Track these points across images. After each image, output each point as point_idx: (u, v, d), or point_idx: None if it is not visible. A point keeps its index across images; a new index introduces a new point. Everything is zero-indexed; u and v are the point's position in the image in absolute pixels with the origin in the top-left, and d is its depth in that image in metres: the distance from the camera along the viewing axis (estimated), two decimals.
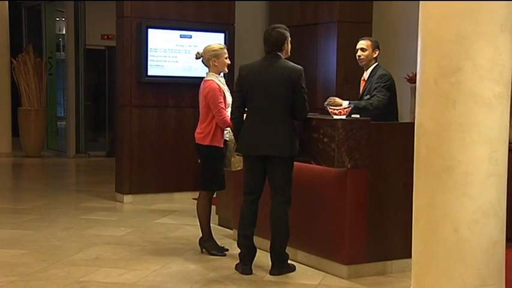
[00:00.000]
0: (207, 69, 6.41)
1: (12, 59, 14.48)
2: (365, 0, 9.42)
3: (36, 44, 15.23)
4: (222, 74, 6.43)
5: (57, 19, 15.85)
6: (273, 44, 5.70)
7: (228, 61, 6.31)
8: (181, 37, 9.16)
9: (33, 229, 7.42)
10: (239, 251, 5.84)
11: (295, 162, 5.80)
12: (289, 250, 5.99)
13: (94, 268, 5.84)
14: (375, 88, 6.33)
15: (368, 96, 6.37)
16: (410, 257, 4.29)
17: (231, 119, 5.91)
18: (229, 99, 6.24)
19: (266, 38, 5.75)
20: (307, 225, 5.94)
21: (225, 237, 7.00)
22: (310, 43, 9.60)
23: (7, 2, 14.61)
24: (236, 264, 5.81)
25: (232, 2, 9.62)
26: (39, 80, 14.60)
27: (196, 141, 6.39)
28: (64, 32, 15.14)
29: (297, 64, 5.68)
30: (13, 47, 14.84)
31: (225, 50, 6.39)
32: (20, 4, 15.79)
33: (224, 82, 6.34)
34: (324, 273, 5.72)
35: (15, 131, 14.78)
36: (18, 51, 14.79)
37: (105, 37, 14.35)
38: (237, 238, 5.92)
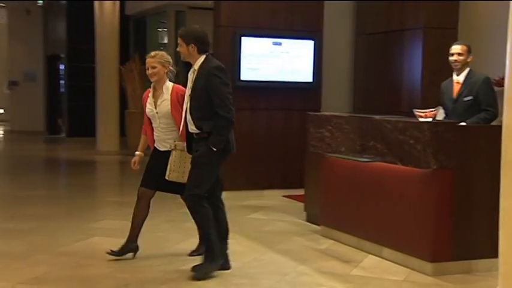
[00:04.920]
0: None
1: (121, 67, 14.81)
2: (451, 0, 9.02)
3: (142, 53, 15.48)
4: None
5: (160, 30, 16.07)
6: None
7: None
8: (273, 44, 9.10)
9: None
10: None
11: (381, 163, 5.64)
12: (374, 247, 5.85)
13: (192, 258, 5.82)
14: (489, 96, 6.22)
15: (470, 98, 6.24)
16: (497, 256, 4.06)
17: (231, 119, 5.16)
18: None
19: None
20: (392, 223, 5.74)
21: (313, 232, 6.88)
22: (396, 49, 9.35)
23: (118, 15, 15.01)
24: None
25: (321, 10, 9.48)
26: (144, 85, 14.82)
27: None
28: (166, 41, 15.34)
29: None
30: (122, 55, 15.19)
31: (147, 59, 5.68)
32: (129, 17, 16.12)
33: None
34: (409, 270, 5.50)
35: (123, 131, 15.11)
36: (126, 60, 15.11)
37: None
38: (214, 245, 5.31)
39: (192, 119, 5.15)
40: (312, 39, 9.24)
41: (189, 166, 5.27)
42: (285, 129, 9.34)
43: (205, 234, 5.40)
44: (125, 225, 7.11)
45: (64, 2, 18.08)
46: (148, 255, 5.93)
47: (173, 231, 6.99)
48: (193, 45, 5.15)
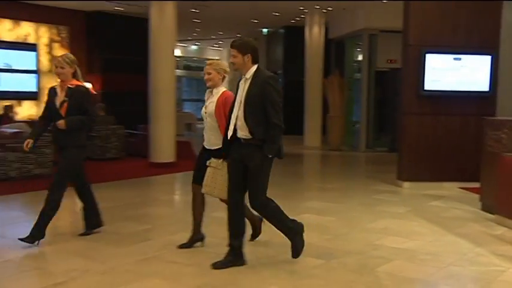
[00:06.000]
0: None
1: (324, 80, 14.94)
2: None
3: (341, 69, 15.48)
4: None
5: (355, 50, 15.91)
6: None
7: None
8: (454, 59, 8.57)
9: (337, 203, 7.44)
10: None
11: None
12: None
13: (383, 235, 5.66)
14: None
15: None
16: None
17: (282, 126, 4.39)
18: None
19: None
20: None
21: (488, 220, 6.37)
22: None
23: (323, 39, 15.19)
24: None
25: (497, 28, 8.72)
26: (342, 94, 14.80)
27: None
28: (360, 59, 15.16)
29: None
30: (325, 71, 15.36)
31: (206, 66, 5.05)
32: (331, 40, 16.17)
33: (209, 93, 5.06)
34: None
35: (324, 131, 15.21)
36: (328, 74, 15.21)
37: (390, 61, 14.09)
38: (291, 227, 4.61)
39: (247, 125, 4.38)
40: (489, 55, 8.57)
41: (220, 182, 4.62)
42: (462, 131, 8.77)
43: (282, 225, 4.58)
44: (328, 206, 7.14)
45: (282, 30, 18.55)
46: (345, 232, 5.85)
47: (366, 213, 6.84)
48: (249, 55, 4.46)
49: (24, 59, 13.94)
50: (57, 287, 4.08)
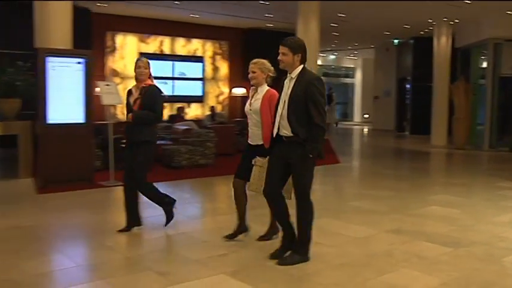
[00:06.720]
0: None
1: (450, 85, 14.20)
2: None
3: (467, 75, 14.57)
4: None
5: (480, 58, 14.83)
6: None
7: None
8: None
9: (462, 197, 7.03)
10: None
11: None
12: None
13: (508, 228, 5.26)
14: None
15: None
16: None
17: (324, 127, 3.87)
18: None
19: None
20: None
21: None
22: None
23: (450, 48, 14.36)
24: None
25: None
26: (467, 98, 13.93)
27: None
28: (485, 66, 14.13)
29: None
30: (451, 77, 14.61)
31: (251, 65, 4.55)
32: (457, 49, 15.24)
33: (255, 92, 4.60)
34: None
35: (449, 132, 14.46)
36: (454, 80, 14.41)
37: None
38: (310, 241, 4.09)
39: (289, 124, 3.90)
40: None
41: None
42: None
43: (305, 230, 4.03)
44: (454, 200, 6.79)
45: (411, 41, 17.84)
46: (471, 223, 5.51)
47: (490, 207, 6.39)
48: (299, 55, 3.96)
49: (193, 69, 14.86)
50: (221, 258, 4.24)
